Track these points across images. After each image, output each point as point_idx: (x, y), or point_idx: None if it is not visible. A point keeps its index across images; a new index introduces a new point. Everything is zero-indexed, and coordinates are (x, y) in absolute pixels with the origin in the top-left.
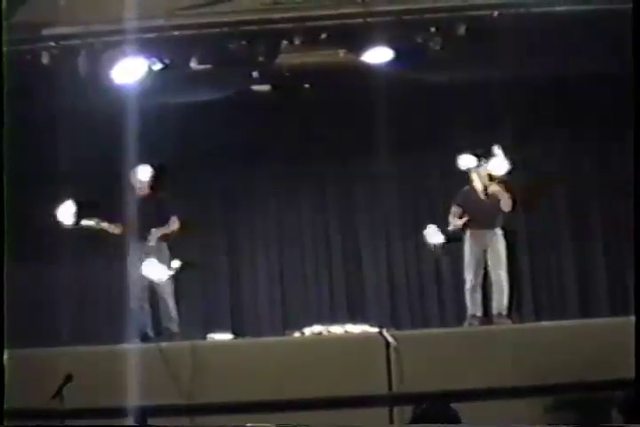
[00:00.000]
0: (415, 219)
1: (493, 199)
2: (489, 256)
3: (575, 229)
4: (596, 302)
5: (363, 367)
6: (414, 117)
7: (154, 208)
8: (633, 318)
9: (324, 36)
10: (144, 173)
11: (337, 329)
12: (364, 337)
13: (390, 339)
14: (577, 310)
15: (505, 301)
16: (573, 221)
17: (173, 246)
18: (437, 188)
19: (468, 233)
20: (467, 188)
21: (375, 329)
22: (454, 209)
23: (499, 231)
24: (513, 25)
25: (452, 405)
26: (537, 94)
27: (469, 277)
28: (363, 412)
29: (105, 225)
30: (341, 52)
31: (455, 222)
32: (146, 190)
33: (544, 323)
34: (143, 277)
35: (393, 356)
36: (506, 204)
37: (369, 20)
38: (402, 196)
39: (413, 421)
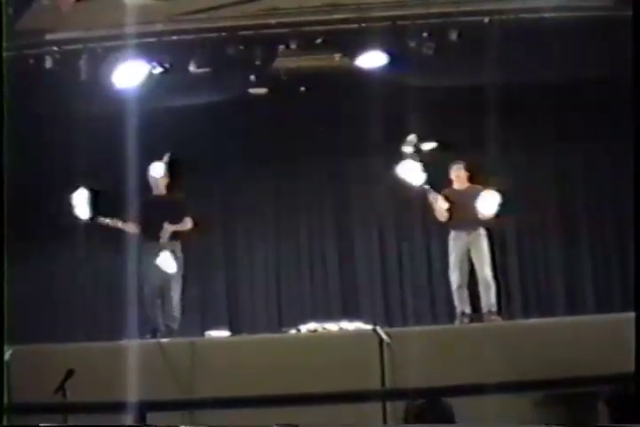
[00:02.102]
0: (408, 219)
1: (474, 201)
2: (473, 256)
3: (562, 226)
4: (583, 299)
5: (357, 363)
6: (407, 120)
7: (169, 208)
8: (621, 315)
9: (319, 40)
10: (161, 174)
11: (331, 326)
12: (358, 334)
13: (384, 336)
14: (564, 307)
15: (493, 298)
16: (560, 218)
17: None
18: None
19: (451, 233)
20: (448, 189)
21: (369, 326)
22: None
23: (482, 231)
24: (503, 31)
25: (446, 401)
26: (527, 98)
27: (455, 276)
28: (356, 407)
29: (120, 225)
30: (336, 57)
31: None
32: (162, 190)
33: (534, 320)
34: (155, 274)
35: (386, 352)
36: (486, 211)
37: (363, 25)
38: (396, 196)
39: (406, 416)
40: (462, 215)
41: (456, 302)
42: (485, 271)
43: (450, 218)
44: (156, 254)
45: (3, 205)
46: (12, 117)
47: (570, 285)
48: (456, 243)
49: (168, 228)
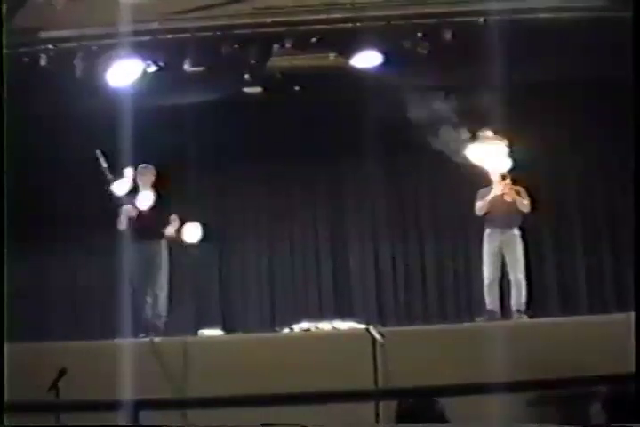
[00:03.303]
0: (402, 219)
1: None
2: (507, 256)
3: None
4: (576, 300)
5: (350, 363)
6: (401, 119)
7: (154, 207)
8: (616, 315)
9: (314, 40)
10: (146, 173)
11: (325, 326)
12: (352, 334)
13: (377, 335)
14: (558, 307)
15: (524, 299)
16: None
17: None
18: (425, 188)
19: (487, 231)
20: (487, 188)
21: (362, 326)
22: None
23: (516, 231)
24: (497, 31)
25: (438, 400)
26: (522, 98)
27: (486, 274)
28: (349, 407)
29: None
30: (331, 56)
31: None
32: (148, 190)
33: (527, 320)
34: (144, 273)
35: (379, 352)
36: (522, 206)
37: (358, 24)
38: (389, 196)
39: (399, 415)
40: (499, 214)
41: (486, 300)
42: (518, 274)
43: (486, 215)
44: (145, 253)
45: (2, 203)
46: (7, 116)
47: (564, 285)
48: (490, 240)
49: (169, 233)
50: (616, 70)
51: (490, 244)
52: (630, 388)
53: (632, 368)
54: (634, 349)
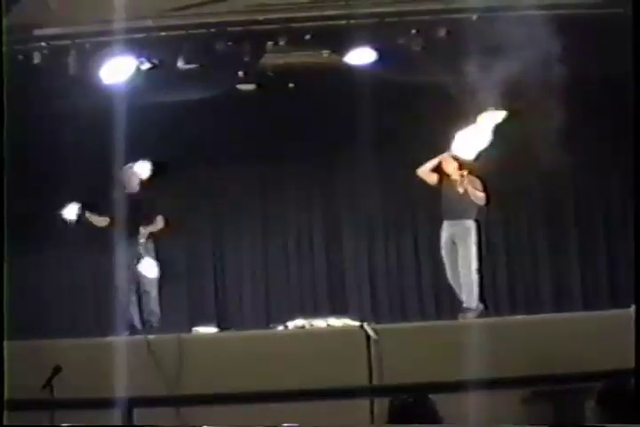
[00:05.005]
0: (396, 216)
1: (465, 192)
2: (459, 249)
3: (549, 220)
4: (571, 297)
5: (344, 360)
6: (396, 117)
7: (142, 206)
8: (608, 312)
9: (308, 37)
10: (137, 172)
11: (319, 323)
12: (346, 331)
13: (371, 332)
14: (550, 304)
15: (474, 294)
16: (548, 213)
17: (161, 241)
18: (419, 186)
19: (444, 224)
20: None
21: (356, 323)
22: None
23: (471, 223)
24: (491, 28)
25: (431, 397)
26: (515, 95)
27: (447, 270)
28: (344, 404)
29: (94, 219)
30: (325, 53)
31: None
32: (136, 189)
33: (521, 316)
34: (131, 272)
35: (373, 349)
36: (476, 198)
37: (352, 21)
38: (384, 194)
39: (391, 412)
40: (452, 206)
41: (462, 297)
42: (470, 267)
43: (441, 207)
44: (132, 255)
45: (2, 202)
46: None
47: (557, 282)
48: (444, 235)
49: (144, 231)
50: (613, 68)
51: (445, 237)
52: (628, 385)
53: (628, 365)
54: (633, 346)
